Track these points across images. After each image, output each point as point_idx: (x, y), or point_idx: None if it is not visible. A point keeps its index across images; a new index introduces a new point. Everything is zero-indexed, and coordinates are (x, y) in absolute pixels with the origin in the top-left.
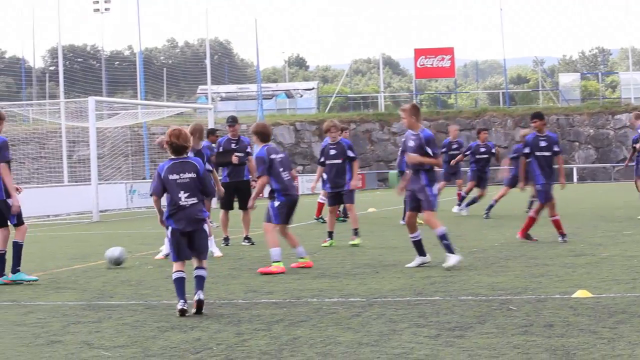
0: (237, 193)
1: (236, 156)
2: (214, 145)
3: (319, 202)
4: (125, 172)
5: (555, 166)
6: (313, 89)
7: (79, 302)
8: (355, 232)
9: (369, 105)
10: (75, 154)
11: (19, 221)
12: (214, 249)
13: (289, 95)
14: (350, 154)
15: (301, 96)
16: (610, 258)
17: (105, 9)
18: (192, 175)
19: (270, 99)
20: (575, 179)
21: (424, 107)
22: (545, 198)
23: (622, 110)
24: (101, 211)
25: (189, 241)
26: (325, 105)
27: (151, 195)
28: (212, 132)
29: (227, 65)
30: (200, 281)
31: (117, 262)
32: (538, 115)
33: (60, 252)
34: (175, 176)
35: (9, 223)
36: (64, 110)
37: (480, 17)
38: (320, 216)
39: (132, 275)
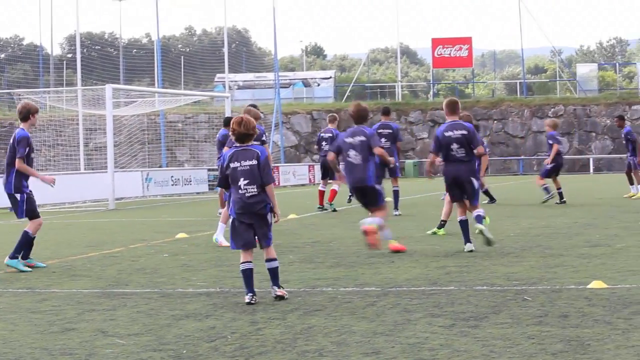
0: None
1: None
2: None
3: (332, 190)
4: (142, 160)
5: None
6: (330, 77)
7: (93, 290)
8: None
9: (387, 95)
10: (92, 141)
11: (32, 215)
12: (221, 237)
13: (306, 84)
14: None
15: (318, 85)
16: (626, 249)
17: None
18: (253, 162)
19: (288, 87)
20: (591, 170)
21: (440, 97)
22: None
23: (639, 101)
24: (117, 199)
25: (251, 230)
26: (342, 94)
27: (218, 187)
28: (228, 122)
29: (245, 54)
30: (270, 273)
31: None
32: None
33: (75, 239)
34: (236, 164)
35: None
36: (81, 97)
37: (498, 7)
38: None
39: (147, 264)
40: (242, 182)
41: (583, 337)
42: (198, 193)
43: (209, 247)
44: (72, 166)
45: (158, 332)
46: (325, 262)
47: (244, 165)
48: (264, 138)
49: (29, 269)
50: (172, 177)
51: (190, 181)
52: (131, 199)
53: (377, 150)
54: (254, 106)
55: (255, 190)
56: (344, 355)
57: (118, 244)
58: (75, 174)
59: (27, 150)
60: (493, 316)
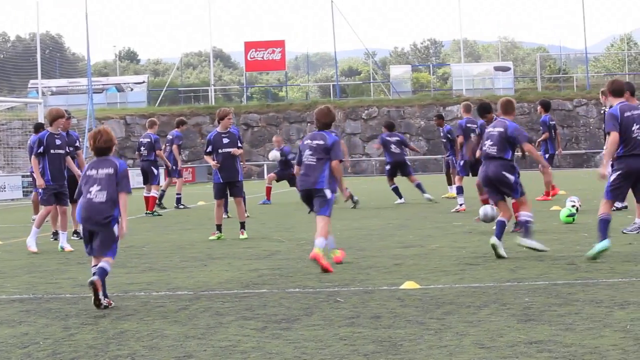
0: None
1: None
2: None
3: (152, 197)
4: None
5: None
6: (143, 82)
7: None
8: (243, 226)
9: (200, 99)
10: None
11: None
12: (64, 244)
13: (119, 89)
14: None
15: (131, 90)
16: (439, 249)
17: None
18: (110, 171)
19: (101, 92)
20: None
21: (254, 101)
22: None
23: (453, 102)
24: None
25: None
26: (155, 98)
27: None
28: (41, 126)
29: (59, 60)
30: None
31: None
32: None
33: None
34: (92, 171)
35: None
36: None
37: (311, 9)
38: (153, 210)
39: None
40: (93, 188)
41: (395, 338)
42: (12, 200)
43: (22, 254)
44: None
45: None
46: (138, 266)
47: (100, 174)
48: (77, 144)
49: None
50: None
51: (5, 188)
52: None
53: None
54: (66, 112)
55: (104, 198)
56: (156, 359)
57: None
58: None
59: None
60: (305, 318)
